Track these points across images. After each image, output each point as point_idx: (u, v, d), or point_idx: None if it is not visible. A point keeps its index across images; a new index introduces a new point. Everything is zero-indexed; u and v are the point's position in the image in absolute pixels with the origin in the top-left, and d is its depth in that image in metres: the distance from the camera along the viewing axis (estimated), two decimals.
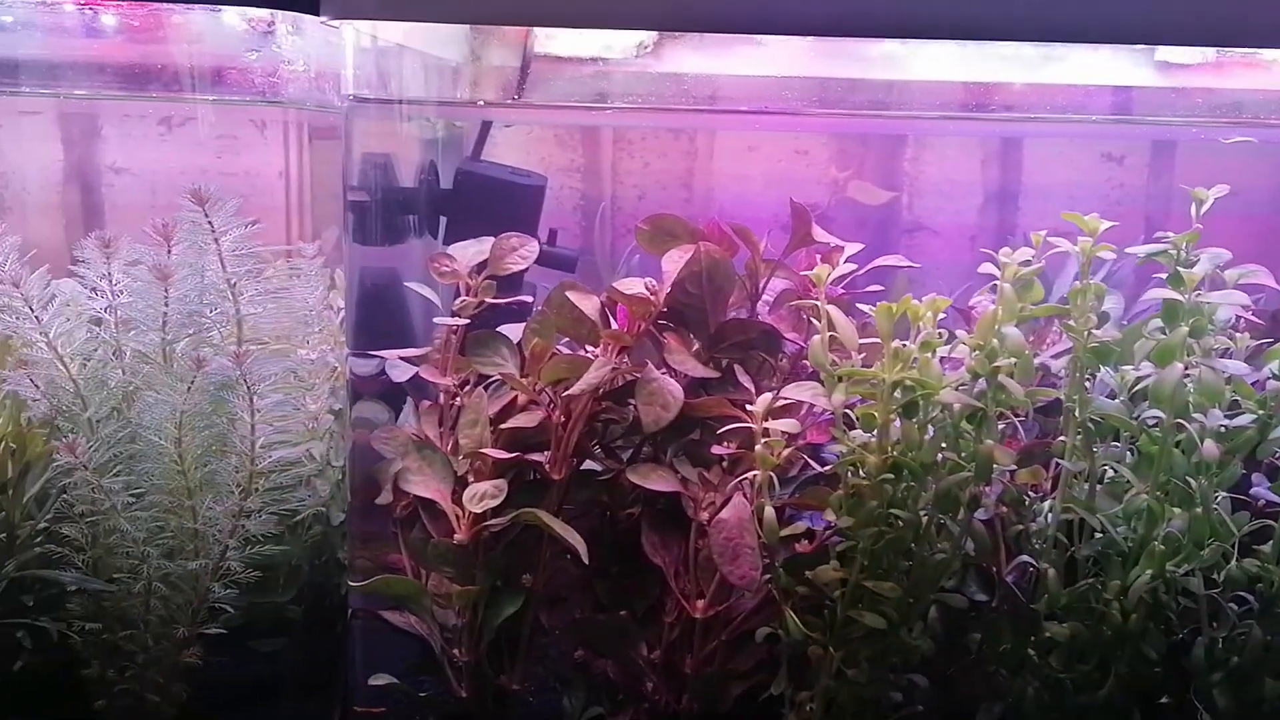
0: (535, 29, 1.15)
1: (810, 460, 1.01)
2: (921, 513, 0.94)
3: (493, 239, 1.12)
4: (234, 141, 1.13)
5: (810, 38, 1.12)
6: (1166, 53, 1.19)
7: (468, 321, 1.07)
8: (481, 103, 1.19)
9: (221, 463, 0.99)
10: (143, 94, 1.09)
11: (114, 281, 0.98)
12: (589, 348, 1.05)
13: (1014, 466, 0.97)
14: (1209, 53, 1.19)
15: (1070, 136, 1.51)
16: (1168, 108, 1.25)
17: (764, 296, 1.09)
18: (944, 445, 0.94)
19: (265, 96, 1.00)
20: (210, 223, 0.94)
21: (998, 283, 0.94)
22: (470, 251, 1.11)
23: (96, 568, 1.00)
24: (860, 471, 0.93)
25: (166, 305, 0.95)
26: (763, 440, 0.95)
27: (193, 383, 0.95)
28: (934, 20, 1.00)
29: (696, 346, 1.06)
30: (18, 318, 0.97)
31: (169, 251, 0.96)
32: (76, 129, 1.40)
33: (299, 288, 1.02)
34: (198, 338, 0.96)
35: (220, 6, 0.94)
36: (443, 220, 1.24)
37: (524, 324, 1.06)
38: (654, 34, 1.19)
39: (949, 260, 1.53)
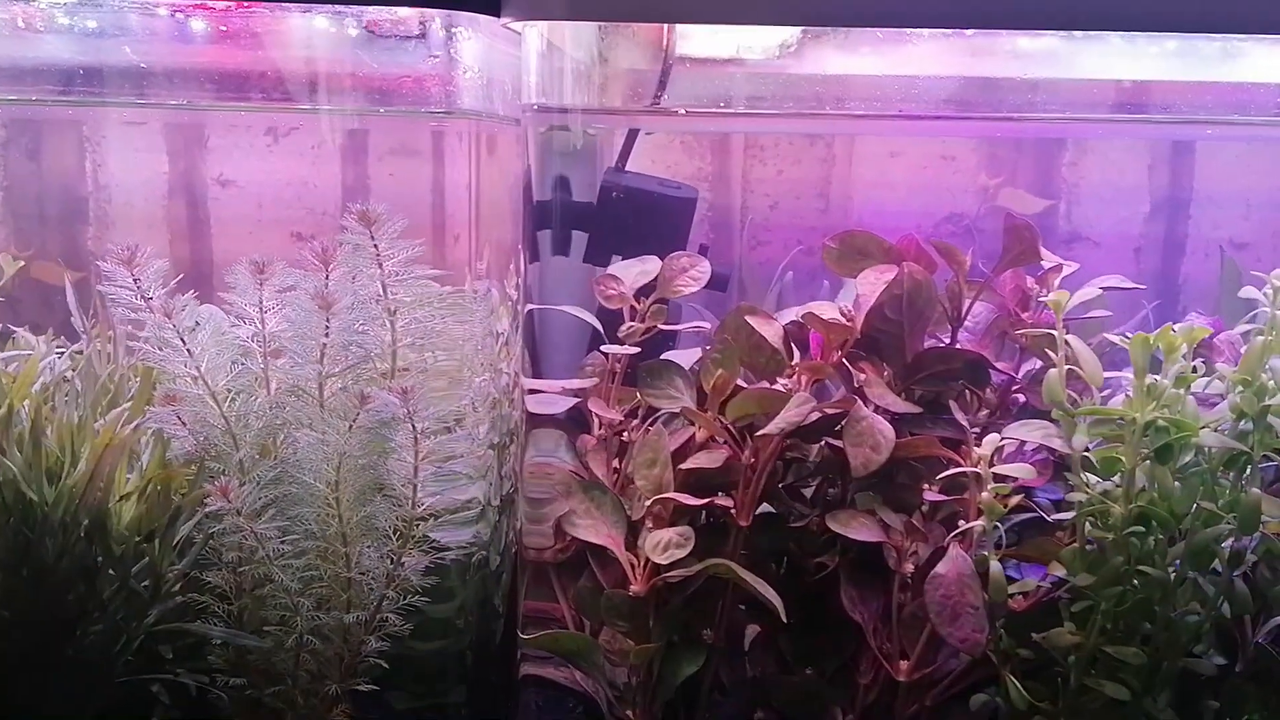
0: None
1: (1027, 507, 0.91)
2: (1170, 570, 0.83)
3: (652, 258, 1.03)
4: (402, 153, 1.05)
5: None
6: None
7: (637, 350, 0.98)
8: (683, 111, 1.09)
9: (378, 506, 0.90)
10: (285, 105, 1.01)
11: (265, 309, 0.89)
12: (772, 379, 0.96)
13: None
14: None
15: (1250, 139, 1.39)
16: None
17: (964, 321, 0.99)
18: (1199, 493, 0.83)
19: (440, 107, 0.91)
20: (376, 245, 0.85)
21: (1265, 310, 0.83)
22: (633, 272, 1.02)
23: (241, 619, 0.93)
24: (1103, 523, 0.83)
25: (327, 335, 0.87)
26: (989, 486, 0.84)
27: (355, 420, 0.86)
28: (1100, 11, 0.91)
29: (888, 375, 0.96)
30: (162, 348, 0.89)
31: (327, 277, 0.87)
32: (181, 139, 1.33)
33: (464, 315, 0.93)
34: (358, 369, 0.88)
35: (395, 8, 0.85)
36: (579, 237, 1.16)
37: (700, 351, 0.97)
38: (796, 33, 1.10)
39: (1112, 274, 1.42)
